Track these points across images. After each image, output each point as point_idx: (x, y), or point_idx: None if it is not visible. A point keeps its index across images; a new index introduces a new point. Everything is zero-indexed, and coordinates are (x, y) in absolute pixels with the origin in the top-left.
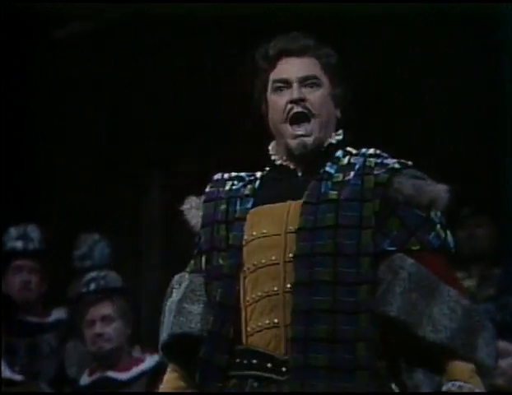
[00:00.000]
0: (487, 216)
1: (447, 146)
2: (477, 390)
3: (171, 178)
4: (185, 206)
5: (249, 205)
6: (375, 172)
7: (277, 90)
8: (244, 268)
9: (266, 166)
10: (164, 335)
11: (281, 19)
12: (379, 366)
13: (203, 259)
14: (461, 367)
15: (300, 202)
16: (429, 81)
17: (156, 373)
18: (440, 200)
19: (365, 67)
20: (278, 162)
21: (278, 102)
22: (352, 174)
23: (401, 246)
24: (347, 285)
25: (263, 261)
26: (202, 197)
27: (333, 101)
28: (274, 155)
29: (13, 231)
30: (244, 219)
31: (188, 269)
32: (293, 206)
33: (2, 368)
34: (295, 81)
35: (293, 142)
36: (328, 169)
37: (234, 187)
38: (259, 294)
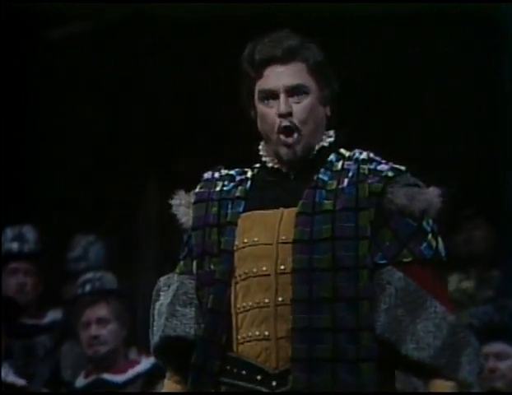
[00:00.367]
0: (485, 218)
1: (446, 147)
2: None
3: (169, 179)
4: (174, 202)
5: (241, 208)
6: (369, 180)
7: (264, 100)
8: (236, 275)
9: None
10: (155, 338)
11: (281, 19)
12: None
13: (194, 264)
14: (441, 384)
15: (293, 210)
16: (429, 81)
17: (152, 375)
18: (433, 207)
19: (365, 67)
20: (270, 164)
21: (266, 113)
22: (346, 181)
23: (392, 258)
24: (348, 301)
25: (255, 270)
26: (193, 197)
27: (322, 102)
28: (265, 156)
29: (9, 232)
30: (236, 223)
31: (177, 270)
32: (286, 215)
33: (5, 372)
34: (281, 91)
35: (283, 150)
36: (321, 176)
37: (225, 188)
38: (250, 303)
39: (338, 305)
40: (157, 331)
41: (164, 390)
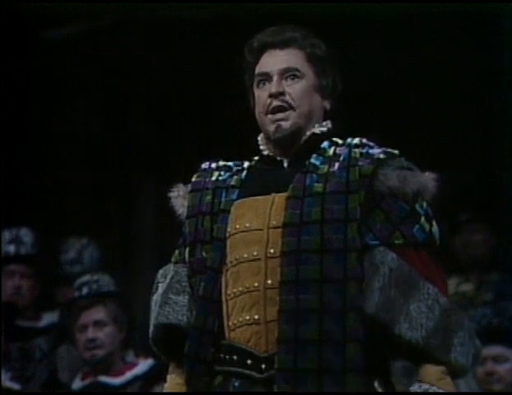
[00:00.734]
0: (484, 221)
1: (446, 147)
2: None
3: (166, 180)
4: (172, 194)
5: (234, 196)
6: (360, 163)
7: (260, 83)
8: (227, 261)
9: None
10: (151, 327)
11: (281, 19)
12: (367, 366)
13: (187, 251)
14: (430, 370)
15: (284, 195)
16: (429, 80)
17: (150, 377)
18: (427, 190)
19: (365, 67)
20: (265, 152)
21: (261, 96)
22: (337, 165)
23: (384, 240)
24: (335, 282)
25: (245, 255)
26: (189, 187)
27: (319, 92)
28: (262, 145)
29: (6, 234)
30: (229, 211)
31: (173, 259)
32: (277, 200)
33: (3, 377)
34: (275, 74)
35: (271, 127)
36: (313, 160)
37: (220, 177)
38: (240, 289)
39: (326, 286)
40: (152, 320)
41: (167, 383)
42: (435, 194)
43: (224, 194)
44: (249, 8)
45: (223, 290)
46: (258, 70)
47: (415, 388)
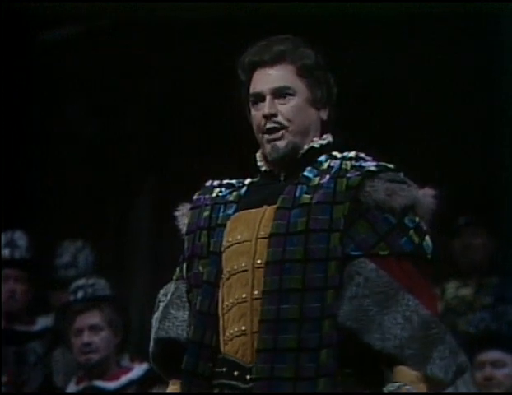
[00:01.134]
0: (484, 225)
1: (446, 148)
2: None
3: (162, 184)
4: (178, 213)
5: (232, 211)
6: (348, 175)
7: (254, 103)
8: (222, 275)
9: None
10: (151, 343)
11: (281, 19)
12: (345, 373)
13: (184, 266)
14: (404, 371)
15: (275, 207)
16: (429, 81)
17: (145, 382)
18: (420, 205)
19: (365, 67)
20: (263, 168)
21: (256, 116)
22: (327, 177)
23: (367, 249)
24: (316, 291)
25: (235, 267)
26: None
27: (314, 105)
28: (260, 161)
29: (0, 238)
30: (225, 225)
31: (174, 277)
32: (268, 212)
33: None
34: (267, 94)
35: (267, 147)
36: (306, 173)
37: (220, 194)
38: (231, 301)
39: (307, 295)
40: (152, 335)
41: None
42: (433, 210)
43: (222, 209)
44: (248, 8)
45: (219, 303)
46: (251, 90)
47: (388, 387)
